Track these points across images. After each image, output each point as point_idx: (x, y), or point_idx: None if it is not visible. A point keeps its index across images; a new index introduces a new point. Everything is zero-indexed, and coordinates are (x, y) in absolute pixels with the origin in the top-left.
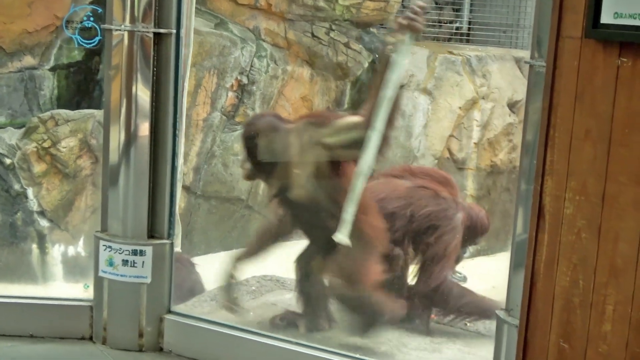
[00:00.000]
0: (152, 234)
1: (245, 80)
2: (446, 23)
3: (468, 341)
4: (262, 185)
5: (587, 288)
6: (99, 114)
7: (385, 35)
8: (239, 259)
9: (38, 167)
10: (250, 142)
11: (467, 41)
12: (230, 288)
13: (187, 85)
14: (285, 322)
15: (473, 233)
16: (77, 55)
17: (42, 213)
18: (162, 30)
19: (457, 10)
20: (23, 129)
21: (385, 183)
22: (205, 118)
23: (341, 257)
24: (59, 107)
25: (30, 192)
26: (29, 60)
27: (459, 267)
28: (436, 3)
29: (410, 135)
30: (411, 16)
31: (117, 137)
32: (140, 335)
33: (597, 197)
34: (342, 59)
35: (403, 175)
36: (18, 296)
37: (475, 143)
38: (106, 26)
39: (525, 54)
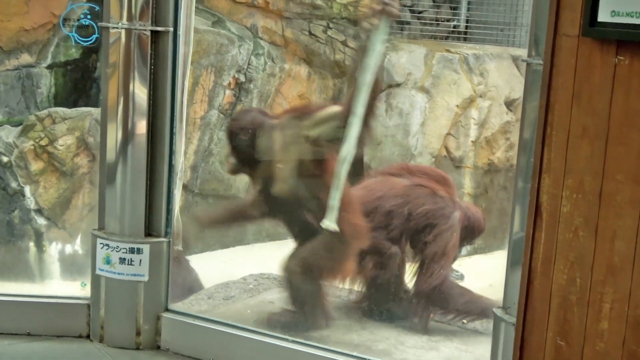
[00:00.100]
0: (149, 232)
1: (242, 78)
2: (443, 21)
3: (465, 339)
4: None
5: (584, 286)
6: (96, 112)
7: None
8: (201, 220)
9: (35, 165)
10: (235, 137)
11: (465, 39)
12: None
13: (187, 83)
14: (283, 320)
15: (469, 233)
16: (74, 53)
17: (39, 211)
18: (159, 28)
19: (455, 8)
20: (20, 127)
21: (382, 181)
22: (203, 116)
23: (309, 248)
24: (56, 105)
25: (27, 190)
26: (26, 58)
27: (456, 266)
28: (434, 1)
29: (408, 133)
30: (386, 1)
31: (114, 135)
32: (138, 333)
33: (594, 195)
34: (339, 57)
35: (400, 173)
36: (15, 294)
37: (472, 141)
38: (103, 24)
39: (522, 52)
